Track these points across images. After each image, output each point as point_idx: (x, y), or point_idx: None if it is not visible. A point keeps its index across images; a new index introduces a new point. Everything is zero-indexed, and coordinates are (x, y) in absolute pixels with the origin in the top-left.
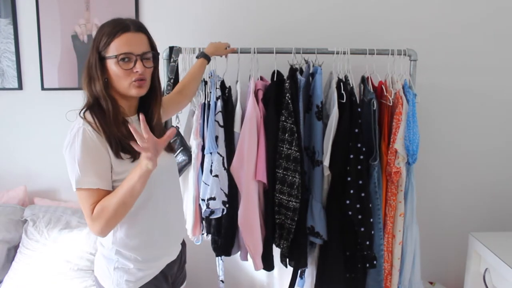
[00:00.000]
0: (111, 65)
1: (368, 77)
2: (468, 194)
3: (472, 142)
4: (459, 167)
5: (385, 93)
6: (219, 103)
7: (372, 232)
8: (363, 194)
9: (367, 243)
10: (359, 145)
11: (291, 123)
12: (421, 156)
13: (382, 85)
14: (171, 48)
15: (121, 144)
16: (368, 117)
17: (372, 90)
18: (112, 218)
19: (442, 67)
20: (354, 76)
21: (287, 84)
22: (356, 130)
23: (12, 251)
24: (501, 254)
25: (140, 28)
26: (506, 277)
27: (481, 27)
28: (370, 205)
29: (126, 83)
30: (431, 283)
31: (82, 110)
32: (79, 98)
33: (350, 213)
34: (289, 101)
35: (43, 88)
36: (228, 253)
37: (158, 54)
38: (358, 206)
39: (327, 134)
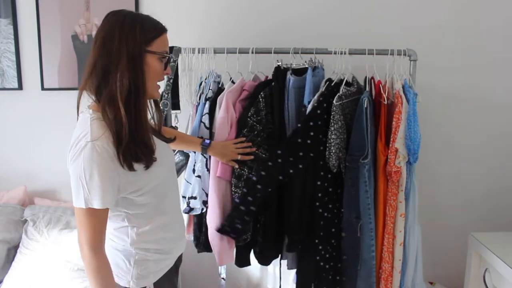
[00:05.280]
0: (153, 60)
1: (372, 78)
2: (468, 194)
3: (472, 142)
4: (458, 167)
5: (382, 92)
6: (207, 105)
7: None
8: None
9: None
10: None
11: (254, 121)
12: (420, 156)
13: (380, 85)
14: (171, 48)
15: (138, 153)
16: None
17: (368, 89)
18: (93, 269)
19: (442, 67)
20: (354, 76)
21: (273, 84)
22: None
23: (12, 251)
24: (501, 254)
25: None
26: (506, 277)
27: (481, 27)
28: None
29: (155, 83)
30: (431, 283)
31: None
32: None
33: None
34: (261, 99)
35: (43, 88)
36: (210, 250)
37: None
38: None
39: None
